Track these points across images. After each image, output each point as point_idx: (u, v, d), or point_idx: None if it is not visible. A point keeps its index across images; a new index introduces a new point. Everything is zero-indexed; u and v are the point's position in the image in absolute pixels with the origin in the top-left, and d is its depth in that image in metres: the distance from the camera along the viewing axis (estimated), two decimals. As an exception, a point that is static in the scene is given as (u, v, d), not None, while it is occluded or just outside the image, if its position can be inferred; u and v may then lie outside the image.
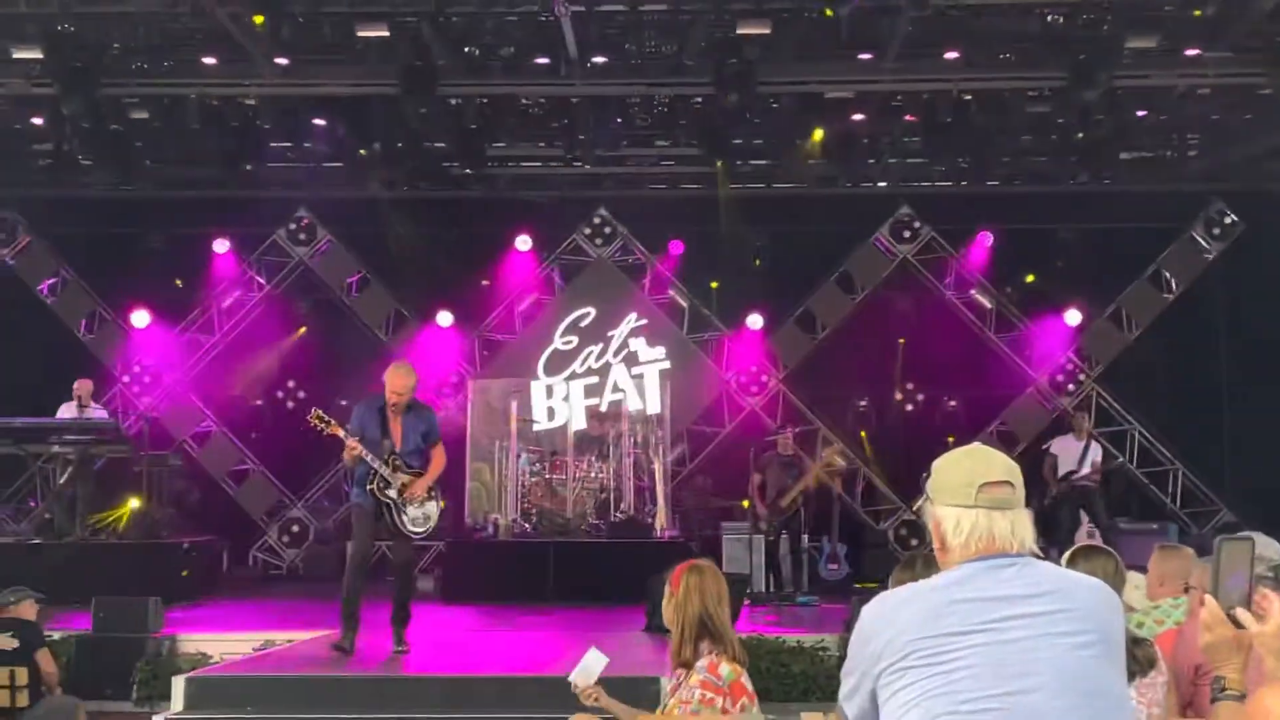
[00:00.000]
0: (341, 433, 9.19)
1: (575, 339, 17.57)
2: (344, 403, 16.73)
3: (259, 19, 12.31)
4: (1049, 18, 13.02)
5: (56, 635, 9.75)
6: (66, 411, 14.37)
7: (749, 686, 4.72)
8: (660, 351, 17.49)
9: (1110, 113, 14.78)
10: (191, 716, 7.83)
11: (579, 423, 16.45)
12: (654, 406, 16.95)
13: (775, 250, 17.67)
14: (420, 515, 9.37)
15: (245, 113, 15.07)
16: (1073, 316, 17.28)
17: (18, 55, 13.62)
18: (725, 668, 4.73)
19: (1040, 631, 2.77)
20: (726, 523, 15.52)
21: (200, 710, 7.90)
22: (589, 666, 5.18)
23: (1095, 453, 14.69)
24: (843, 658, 8.72)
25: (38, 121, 15.53)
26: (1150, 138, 16.54)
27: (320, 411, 9.40)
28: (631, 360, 17.45)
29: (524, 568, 13.85)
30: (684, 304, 17.83)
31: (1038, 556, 2.96)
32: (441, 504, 9.63)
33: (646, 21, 13.51)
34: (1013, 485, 2.94)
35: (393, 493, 9.21)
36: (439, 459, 9.48)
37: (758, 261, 17.81)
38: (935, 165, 17.22)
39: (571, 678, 5.19)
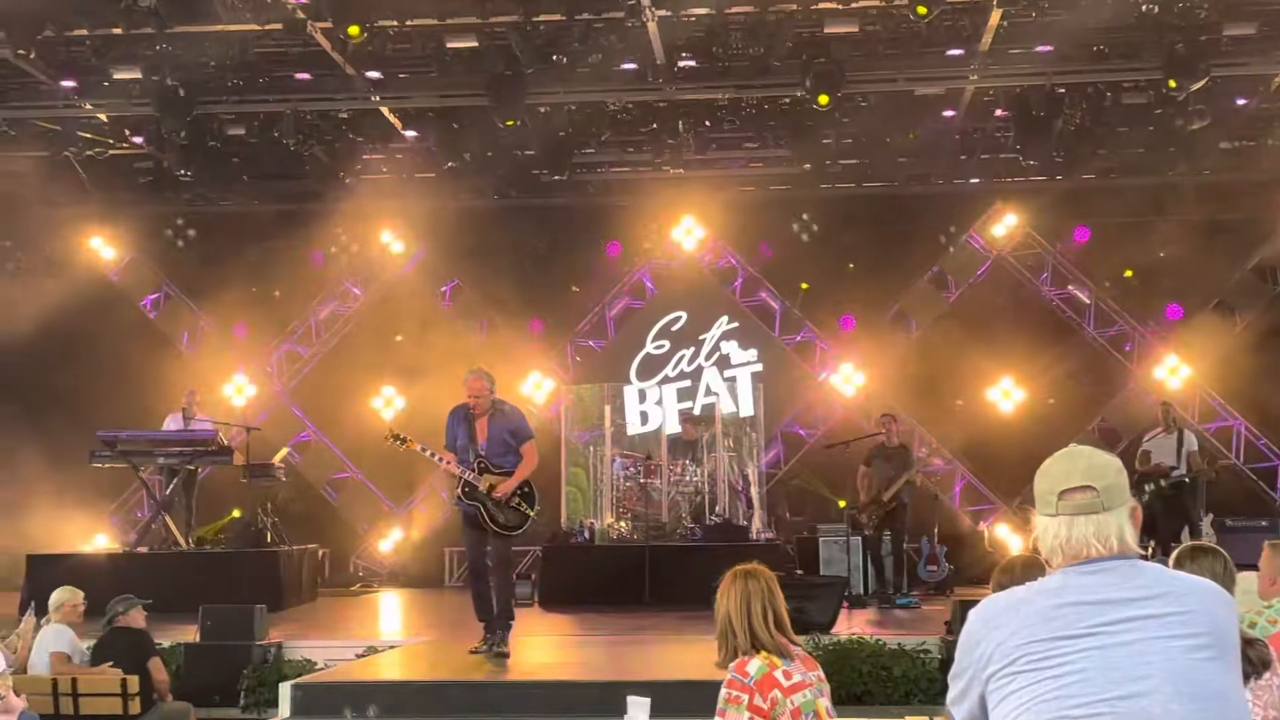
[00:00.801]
0: (418, 447, 9.51)
1: (667, 343, 17.59)
2: (440, 412, 16.99)
3: (354, 30, 12.45)
4: (1144, 8, 12.77)
5: (165, 643, 9.95)
6: (171, 424, 14.68)
7: (785, 680, 4.69)
8: (752, 354, 17.45)
9: (1208, 102, 14.47)
10: (299, 722, 7.95)
11: (672, 426, 16.44)
12: (747, 409, 16.90)
13: (867, 250, 17.53)
14: (511, 513, 9.47)
15: (338, 126, 15.30)
16: (1174, 310, 16.93)
17: (118, 76, 13.97)
18: (755, 663, 4.72)
19: (1152, 634, 2.72)
20: (823, 524, 15.42)
21: (307, 716, 8.01)
22: (634, 716, 5.16)
23: (1190, 443, 14.35)
24: (944, 660, 8.66)
25: (138, 140, 15.89)
26: (1250, 126, 16.16)
27: (392, 430, 9.73)
28: (724, 363, 17.42)
29: (620, 572, 13.87)
30: (775, 306, 17.76)
31: (1141, 557, 2.90)
32: (536, 510, 9.65)
33: (733, 24, 13.50)
34: (1094, 489, 2.87)
35: (481, 494, 9.38)
36: (530, 457, 9.56)
37: (852, 265, 17.71)
38: (1029, 160, 16.97)
39: None
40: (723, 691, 4.73)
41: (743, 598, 4.90)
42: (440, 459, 9.54)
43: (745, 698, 4.66)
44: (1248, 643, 4.28)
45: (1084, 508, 2.85)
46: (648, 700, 5.16)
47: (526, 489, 9.54)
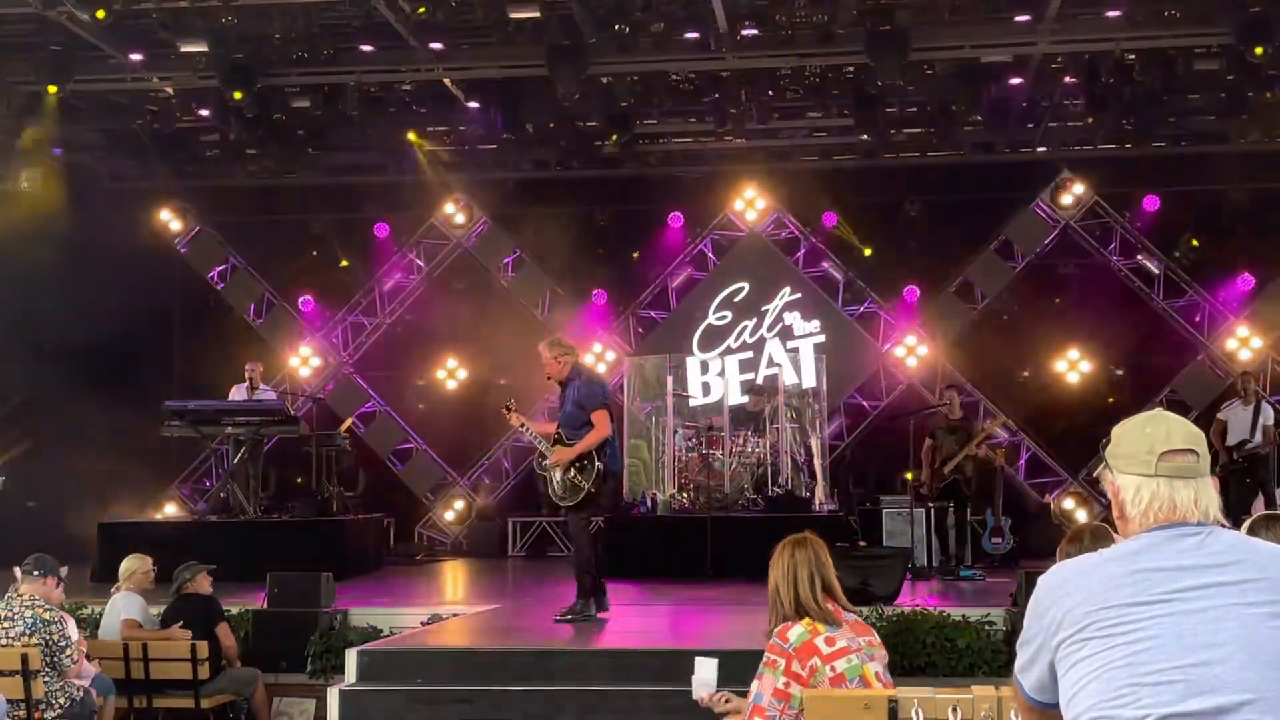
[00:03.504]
0: (517, 422, 9.78)
1: (729, 314, 17.54)
2: (503, 382, 17.09)
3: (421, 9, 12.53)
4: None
5: (234, 610, 10.08)
6: (238, 394, 14.85)
7: (827, 646, 4.69)
8: (815, 325, 17.36)
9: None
10: (365, 688, 8.03)
11: (735, 398, 16.40)
12: (809, 380, 16.82)
13: (932, 219, 17.36)
14: (567, 482, 9.46)
15: (402, 98, 15.34)
16: (1245, 280, 16.63)
17: (184, 49, 14.09)
18: (796, 630, 4.74)
19: (1228, 601, 2.67)
20: (886, 496, 15.34)
21: (373, 681, 8.10)
22: (704, 678, 5.16)
23: (1267, 416, 14.09)
24: (1009, 633, 8.58)
25: (204, 113, 16.03)
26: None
27: (509, 403, 9.86)
28: (786, 334, 17.35)
29: (682, 543, 13.87)
30: (838, 276, 17.65)
31: (1224, 526, 2.85)
32: (592, 483, 9.43)
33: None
34: (1196, 453, 2.83)
35: (547, 465, 9.49)
36: (598, 426, 9.41)
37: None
38: (1097, 128, 16.71)
39: (695, 695, 5.18)
40: (764, 655, 4.78)
41: (790, 566, 4.93)
42: (528, 430, 9.72)
43: (782, 662, 4.70)
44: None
45: (1186, 471, 2.81)
46: (715, 661, 5.17)
47: (585, 461, 9.42)
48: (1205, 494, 2.82)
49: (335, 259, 18.33)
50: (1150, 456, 2.82)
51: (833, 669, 4.66)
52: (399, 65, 14.86)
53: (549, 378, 9.67)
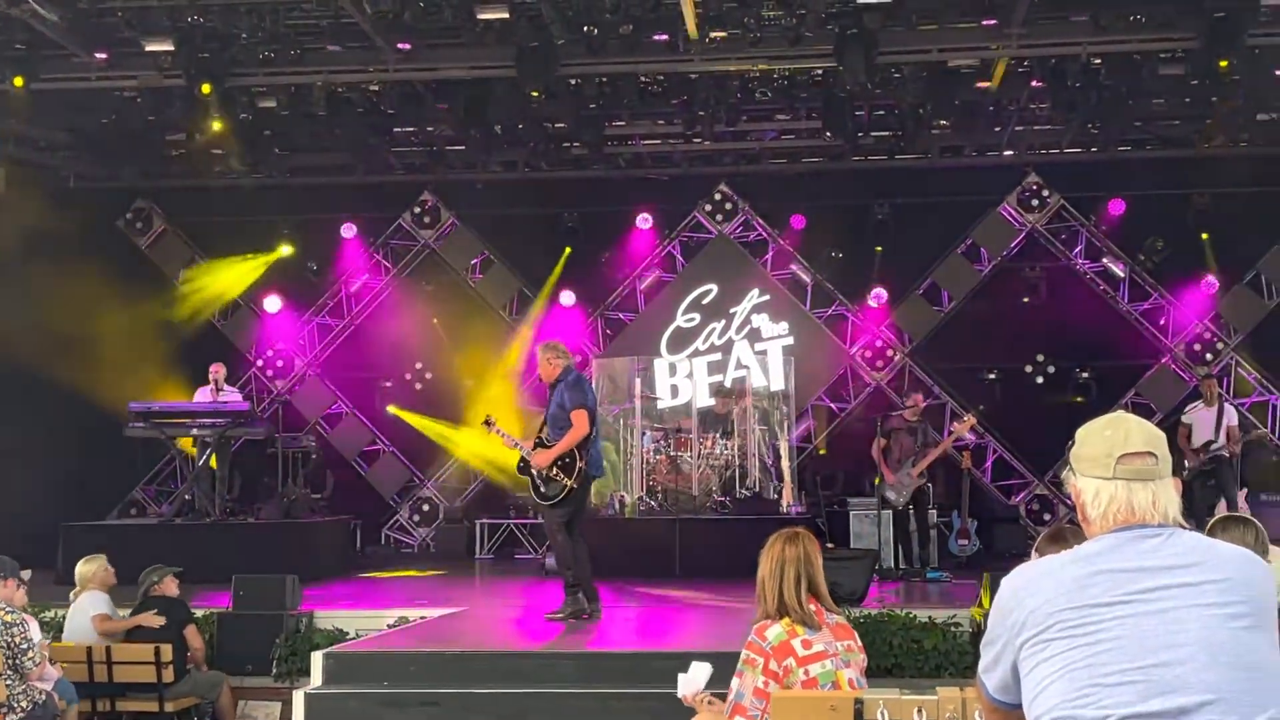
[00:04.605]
0: (497, 431, 9.98)
1: (698, 316, 17.56)
2: (470, 383, 17.06)
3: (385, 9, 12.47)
4: (1181, -25, 12.61)
5: (199, 613, 10.03)
6: (202, 395, 14.76)
7: (803, 649, 4.70)
8: (783, 327, 17.40)
9: (1247, 73, 14.27)
10: (331, 691, 7.99)
11: (703, 400, 16.43)
12: (778, 383, 16.87)
13: (900, 222, 17.43)
14: (551, 484, 9.57)
15: (369, 99, 15.28)
16: (1209, 284, 16.77)
17: (150, 48, 13.98)
18: (775, 629, 4.75)
19: (1188, 602, 2.69)
20: (854, 498, 15.39)
21: (339, 684, 8.06)
22: (693, 677, 5.17)
23: (1230, 418, 14.21)
24: (975, 634, 8.62)
25: (170, 112, 15.91)
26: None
27: (488, 415, 10.19)
28: (755, 336, 17.38)
29: (650, 545, 13.89)
30: (807, 279, 17.69)
31: (1183, 527, 2.87)
32: (574, 481, 9.55)
33: (765, -6, 13.38)
34: (1155, 455, 2.86)
35: (531, 466, 9.63)
36: (576, 425, 9.52)
37: (880, 249, 17.60)
38: (1064, 132, 16.82)
39: (680, 693, 5.19)
40: (743, 653, 4.78)
41: (778, 563, 4.93)
42: (508, 440, 9.96)
43: (761, 661, 4.71)
44: (1283, 614, 4.24)
45: (1144, 473, 2.84)
46: (709, 666, 5.18)
47: (567, 459, 9.53)
48: (1164, 496, 2.84)
49: (302, 260, 18.23)
50: (1109, 459, 2.85)
51: (806, 673, 4.67)
52: (366, 65, 14.80)
53: (540, 379, 9.91)
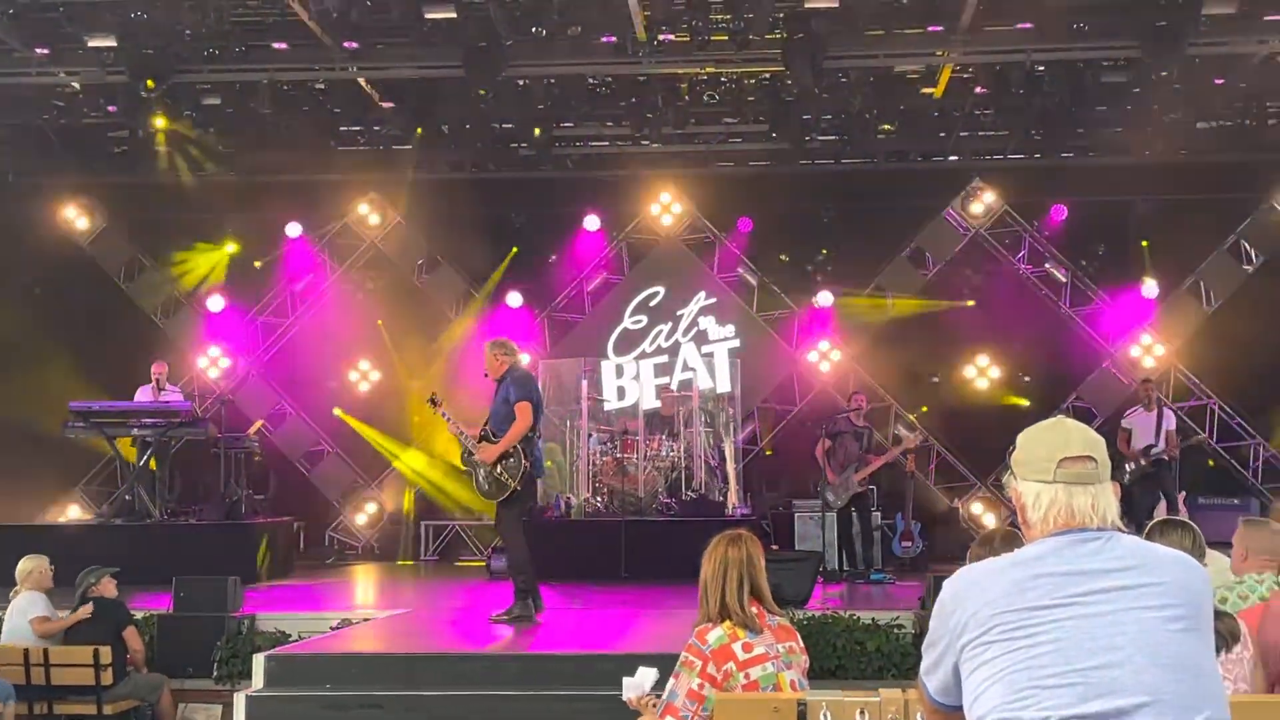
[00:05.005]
0: (442, 414, 9.91)
1: (645, 318, 17.56)
2: (415, 384, 16.98)
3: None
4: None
5: (139, 614, 9.92)
6: (143, 395, 14.59)
7: (744, 652, 4.71)
8: (730, 330, 17.44)
9: (1187, 82, 14.49)
10: (273, 693, 7.92)
11: (649, 402, 16.45)
12: (724, 385, 16.91)
13: (846, 226, 17.53)
14: (492, 479, 9.57)
15: (315, 96, 15.19)
16: (1149, 290, 16.99)
17: (93, 44, 13.83)
18: (716, 633, 4.76)
19: (1127, 605, 2.72)
20: (799, 500, 15.45)
21: (281, 687, 7.99)
22: (638, 681, 5.19)
23: (1169, 422, 14.41)
24: (918, 635, 8.68)
25: (112, 109, 15.75)
26: (1229, 107, 16.18)
27: (434, 394, 10.08)
28: (701, 339, 17.41)
29: (596, 546, 13.89)
30: (753, 282, 17.75)
31: (1122, 531, 2.91)
32: (518, 479, 9.55)
33: (713, -2, 13.44)
34: (1094, 460, 2.89)
35: (474, 460, 9.63)
36: (519, 419, 9.53)
37: (827, 245, 17.70)
38: (1008, 138, 16.99)
39: (625, 696, 5.20)
40: (681, 654, 4.78)
41: (720, 565, 4.94)
42: (453, 423, 9.88)
43: (699, 664, 4.71)
44: (1218, 616, 4.31)
45: (1083, 477, 2.87)
46: (656, 671, 5.19)
47: (512, 460, 9.51)
48: (1103, 499, 2.87)
49: (246, 259, 18.07)
50: (1049, 464, 2.88)
51: (746, 676, 4.68)
52: (313, 64, 14.70)
53: (487, 375, 9.83)
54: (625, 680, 5.18)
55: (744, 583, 4.89)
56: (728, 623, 4.80)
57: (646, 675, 5.19)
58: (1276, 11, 13.24)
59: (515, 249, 17.81)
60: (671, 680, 4.77)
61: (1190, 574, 2.85)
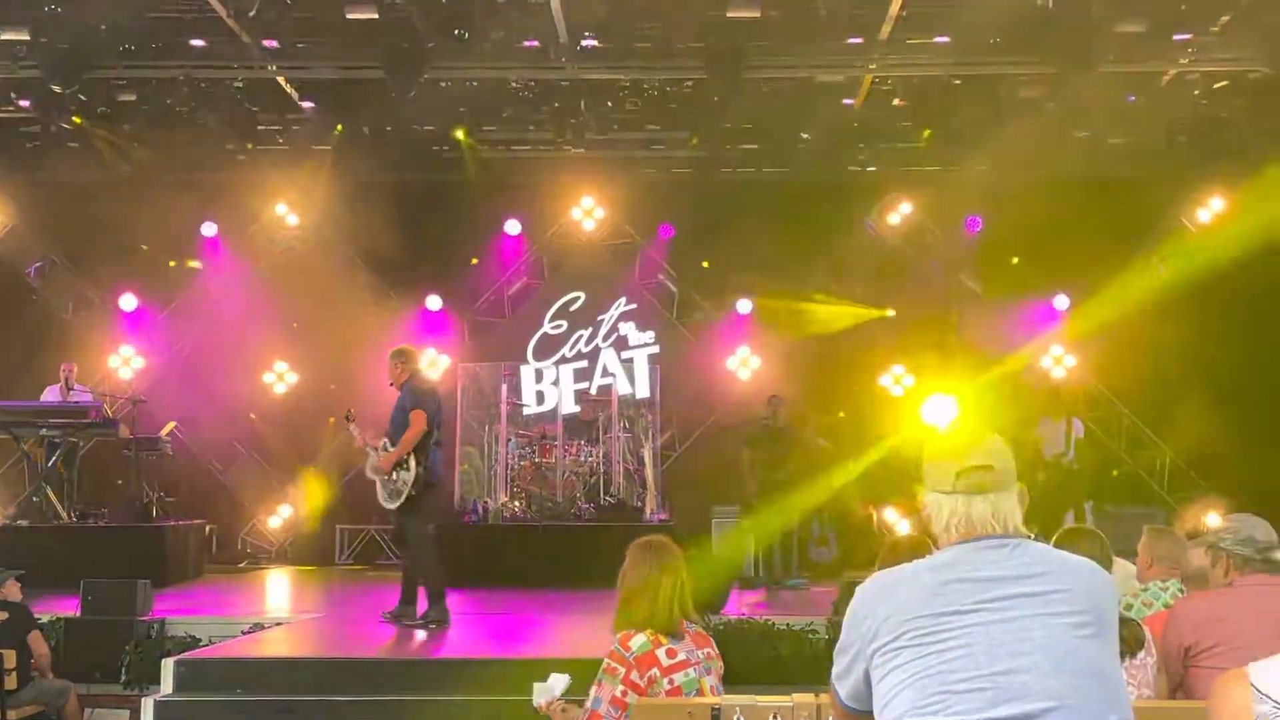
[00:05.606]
0: (351, 428, 10.17)
1: (565, 323, 17.56)
2: (333, 387, 16.80)
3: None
4: (1039, 2, 13.00)
5: (45, 618, 9.73)
6: (51, 394, 14.32)
7: (668, 659, 4.74)
8: (650, 335, 17.49)
9: (1099, 99, 14.77)
10: (182, 698, 7.82)
11: (569, 407, 16.45)
12: (643, 390, 16.96)
13: (767, 234, 17.62)
14: (390, 487, 9.71)
15: (233, 95, 15.01)
16: (1061, 300, 17.28)
17: (4, 37, 13.56)
18: (639, 639, 4.78)
19: (1035, 611, 2.78)
20: (717, 505, 15.51)
21: (190, 692, 7.90)
22: (549, 686, 5.19)
23: (1078, 431, 14.68)
24: (831, 640, 8.74)
25: (24, 104, 15.45)
26: (1139, 124, 16.51)
27: (349, 410, 10.34)
28: (621, 344, 17.44)
29: (514, 551, 13.86)
30: (674, 288, 17.81)
31: (1028, 537, 2.96)
32: (410, 486, 9.65)
33: (637, 5, 13.46)
34: (993, 468, 2.93)
35: (369, 467, 9.82)
36: (412, 426, 9.68)
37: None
38: (925, 150, 17.21)
39: (535, 702, 5.21)
40: (604, 661, 4.78)
41: (647, 572, 4.94)
42: (359, 437, 10.08)
43: (622, 670, 4.71)
44: (1123, 623, 4.41)
45: (981, 487, 2.91)
46: (568, 678, 5.19)
47: (404, 465, 9.64)
48: (1004, 507, 2.91)
49: (161, 258, 17.78)
50: (949, 474, 2.93)
51: (670, 682, 4.70)
52: (231, 62, 14.53)
53: (390, 383, 9.99)
54: (536, 685, 5.19)
55: (669, 589, 4.91)
56: (650, 629, 4.81)
57: (558, 681, 5.20)
58: (1184, 32, 13.54)
59: (436, 253, 17.69)
60: (594, 688, 4.77)
61: (1096, 581, 2.91)
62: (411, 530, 9.92)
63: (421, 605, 9.90)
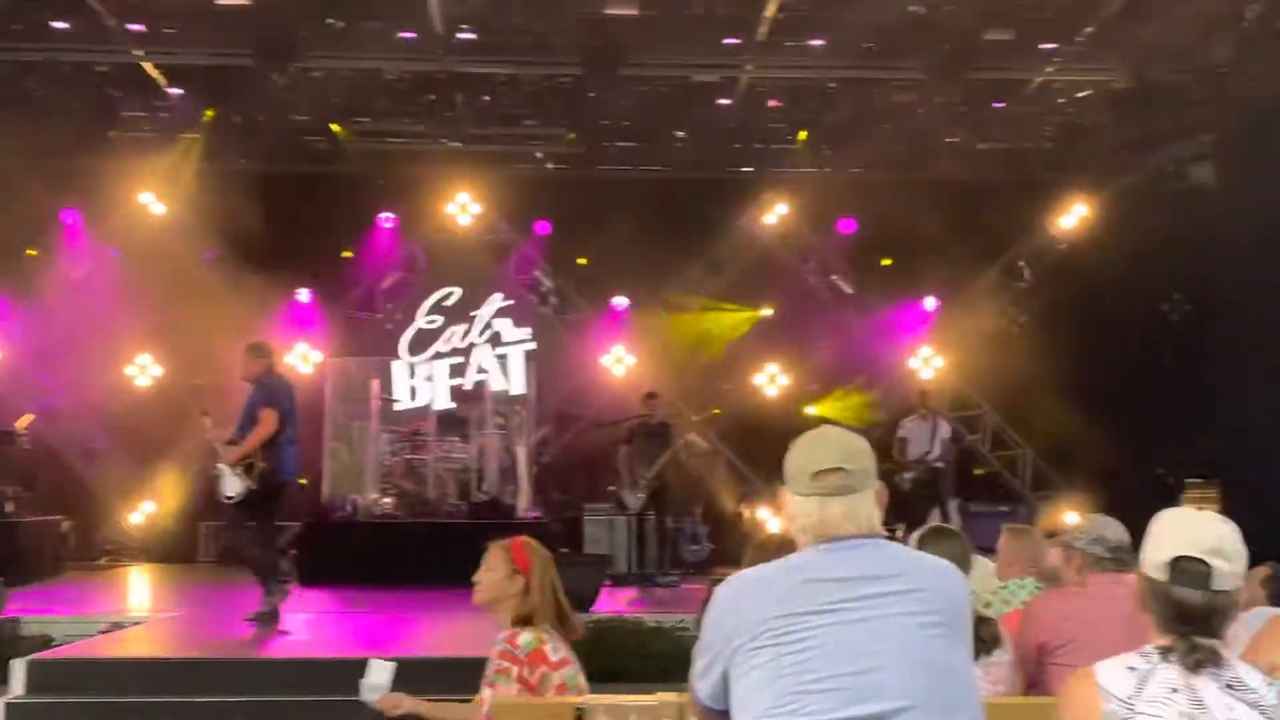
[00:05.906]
0: (205, 423, 10.06)
1: (440, 318, 17.41)
2: (198, 381, 16.42)
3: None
4: (911, 9, 13.22)
5: (-111, 618, 9.39)
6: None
7: (553, 655, 4.72)
8: (525, 332, 17.43)
9: (968, 105, 15.07)
10: (33, 700, 7.58)
11: (442, 403, 16.30)
12: (518, 387, 16.90)
13: (643, 232, 17.65)
14: (233, 480, 9.62)
15: (97, 79, 14.59)
16: (930, 302, 17.62)
17: None
18: (525, 637, 4.75)
19: (890, 611, 2.80)
20: (590, 503, 15.52)
21: (42, 694, 7.66)
22: (374, 680, 5.10)
23: (944, 432, 14.98)
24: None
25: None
26: (1006, 130, 16.88)
27: (204, 408, 10.26)
28: (496, 340, 17.36)
29: (384, 548, 13.68)
30: (550, 284, 17.75)
31: (887, 537, 2.99)
32: (250, 482, 9.60)
33: (514, -1, 13.40)
34: (846, 470, 2.95)
35: (220, 465, 9.70)
36: (261, 424, 9.64)
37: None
38: (800, 151, 17.38)
39: (363, 697, 5.12)
40: (494, 662, 4.72)
41: (542, 569, 4.91)
42: (209, 432, 10.00)
43: (515, 670, 4.66)
44: (980, 621, 4.48)
45: (836, 489, 2.92)
46: (391, 665, 5.10)
47: (250, 461, 9.57)
48: (860, 508, 2.94)
49: (18, 246, 17.19)
50: (804, 477, 2.95)
51: (558, 676, 4.68)
52: (95, 45, 14.11)
53: (242, 378, 9.88)
54: (361, 682, 5.09)
55: (557, 587, 4.90)
56: (535, 627, 4.78)
57: (380, 670, 5.09)
58: (1050, 41, 13.89)
59: (308, 246, 17.39)
60: (488, 690, 4.70)
61: (950, 582, 2.95)
62: (253, 527, 9.84)
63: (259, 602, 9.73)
